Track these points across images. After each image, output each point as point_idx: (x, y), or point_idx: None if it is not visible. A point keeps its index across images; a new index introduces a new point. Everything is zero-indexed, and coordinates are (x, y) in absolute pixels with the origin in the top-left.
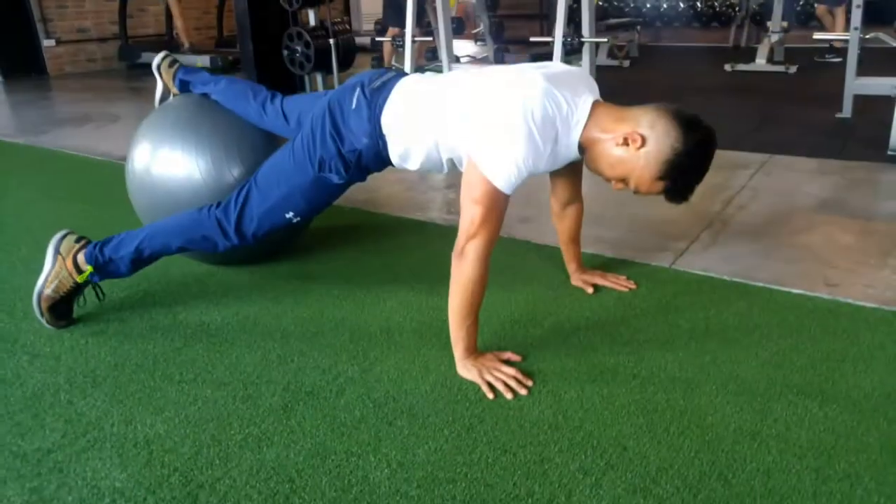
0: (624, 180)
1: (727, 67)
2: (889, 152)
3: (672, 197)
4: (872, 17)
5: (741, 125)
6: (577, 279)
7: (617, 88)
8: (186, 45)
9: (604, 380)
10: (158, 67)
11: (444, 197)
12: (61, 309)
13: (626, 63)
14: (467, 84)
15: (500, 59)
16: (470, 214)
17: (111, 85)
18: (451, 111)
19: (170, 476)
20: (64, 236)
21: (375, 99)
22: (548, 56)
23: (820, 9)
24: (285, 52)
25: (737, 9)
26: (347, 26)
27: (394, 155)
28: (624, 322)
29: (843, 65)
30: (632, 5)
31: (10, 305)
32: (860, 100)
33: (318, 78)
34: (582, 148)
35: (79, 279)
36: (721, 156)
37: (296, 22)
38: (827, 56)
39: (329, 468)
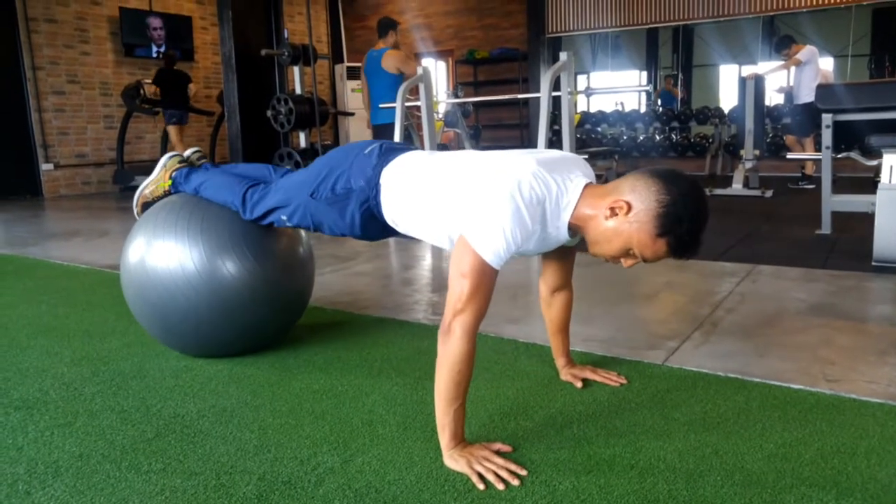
0: (628, 252)
1: (706, 192)
2: (874, 263)
3: (679, 251)
4: (842, 141)
5: (724, 241)
6: (566, 374)
7: None
8: None
9: (600, 470)
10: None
11: (429, 299)
12: (148, 207)
13: None
14: (465, 166)
15: None
16: (458, 289)
17: (103, 205)
18: (446, 189)
19: None
20: (172, 156)
21: (387, 155)
22: None
23: (789, 139)
24: None
25: (710, 140)
26: None
27: (386, 210)
28: (618, 415)
29: (816, 191)
30: (609, 136)
31: None
32: (839, 219)
33: None
34: (573, 230)
35: (164, 185)
36: (706, 266)
37: (287, 143)
38: (800, 183)
39: None
